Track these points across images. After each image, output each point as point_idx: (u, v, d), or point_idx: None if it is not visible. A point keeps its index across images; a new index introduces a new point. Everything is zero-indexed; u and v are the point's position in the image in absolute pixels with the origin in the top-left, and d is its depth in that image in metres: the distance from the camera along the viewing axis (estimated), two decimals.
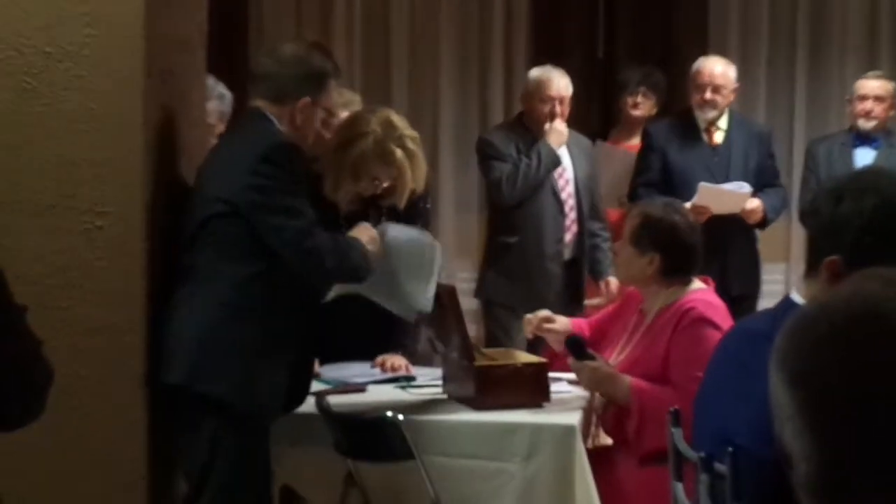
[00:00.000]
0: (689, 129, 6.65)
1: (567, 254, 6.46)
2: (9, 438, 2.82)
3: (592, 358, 4.42)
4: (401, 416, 4.01)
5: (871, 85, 6.89)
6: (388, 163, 4.82)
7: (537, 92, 6.46)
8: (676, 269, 4.49)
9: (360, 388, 4.61)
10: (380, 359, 4.85)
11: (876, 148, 6.83)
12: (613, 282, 6.36)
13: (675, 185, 6.50)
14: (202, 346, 3.99)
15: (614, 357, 4.54)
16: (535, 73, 6.62)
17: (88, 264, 4.09)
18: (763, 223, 6.60)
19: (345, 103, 5.80)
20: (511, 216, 6.42)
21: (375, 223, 4.86)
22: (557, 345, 4.69)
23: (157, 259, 4.13)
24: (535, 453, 4.09)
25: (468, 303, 6.22)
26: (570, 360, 4.44)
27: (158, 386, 4.07)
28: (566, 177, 6.47)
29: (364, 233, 4.27)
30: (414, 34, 8.34)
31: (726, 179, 6.52)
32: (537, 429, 4.12)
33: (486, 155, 6.52)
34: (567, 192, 6.46)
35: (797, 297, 2.65)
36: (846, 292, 1.46)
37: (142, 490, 4.13)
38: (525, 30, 8.36)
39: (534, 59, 7.84)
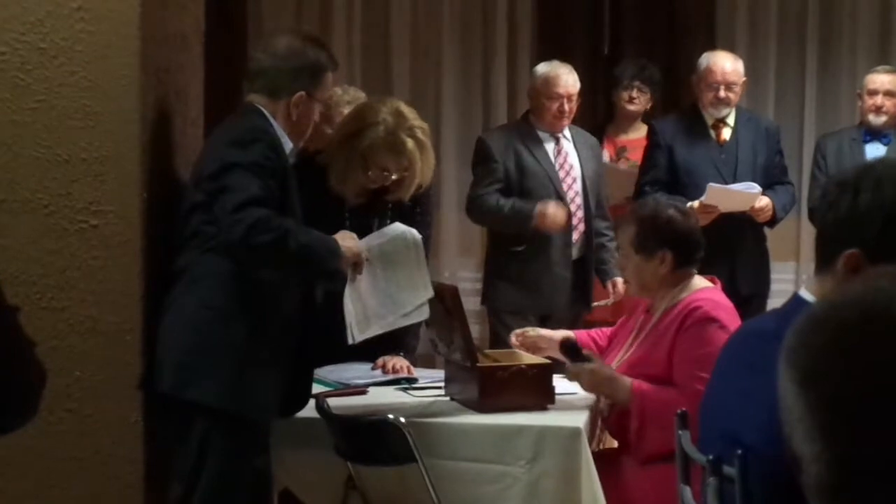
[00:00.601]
0: (696, 126, 6.60)
1: (575, 253, 6.41)
2: (4, 440, 2.77)
3: (589, 360, 4.38)
4: (402, 419, 3.96)
5: (882, 79, 6.83)
6: (398, 153, 4.77)
7: (545, 89, 6.40)
8: (688, 260, 4.45)
9: (361, 390, 4.56)
10: (381, 360, 4.80)
11: (886, 143, 6.78)
12: (620, 282, 6.30)
13: (682, 183, 6.46)
14: (188, 351, 3.95)
15: (619, 356, 4.50)
16: (542, 68, 6.55)
17: (85, 264, 4.06)
18: (772, 221, 6.55)
19: (350, 101, 5.77)
20: None
21: (380, 218, 4.83)
22: (551, 352, 4.64)
23: (155, 259, 4.10)
24: (540, 456, 4.05)
25: (471, 303, 6.16)
26: (567, 365, 4.40)
27: (152, 389, 4.03)
28: (573, 174, 6.42)
29: (345, 238, 4.19)
30: (416, 29, 8.30)
31: (734, 176, 6.47)
32: (542, 431, 4.08)
33: (479, 159, 6.46)
34: (574, 191, 6.41)
35: (807, 295, 2.60)
36: (857, 290, 1.43)
37: (139, 491, 4.11)
38: (529, 25, 8.31)
39: (538, 54, 7.80)
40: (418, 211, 4.99)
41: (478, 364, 4.30)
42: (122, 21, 4.03)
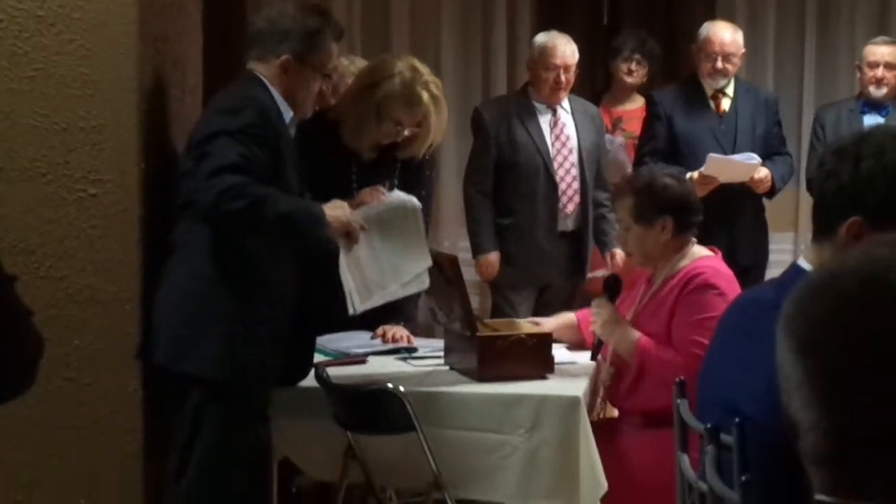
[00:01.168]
0: (696, 97, 6.59)
1: (570, 225, 6.41)
2: (2, 409, 2.77)
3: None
4: (402, 388, 3.95)
5: (882, 51, 6.81)
6: (413, 106, 4.78)
7: (541, 59, 6.38)
8: (687, 225, 4.50)
9: (360, 359, 4.56)
10: (380, 329, 4.80)
11: (885, 115, 6.76)
12: (619, 253, 6.30)
13: (682, 153, 6.45)
14: (181, 323, 3.94)
15: None
16: (540, 38, 6.54)
17: (83, 233, 4.05)
18: (771, 192, 6.54)
19: (356, 71, 5.75)
20: (503, 198, 6.36)
21: (388, 177, 4.82)
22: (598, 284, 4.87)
23: (153, 228, 4.09)
24: (539, 425, 4.05)
25: (470, 273, 6.16)
26: (597, 300, 4.52)
27: (150, 360, 4.03)
28: (570, 146, 6.40)
29: (334, 209, 4.10)
30: (415, 1, 8.25)
31: (733, 147, 6.46)
32: (541, 400, 4.07)
33: (473, 130, 6.48)
34: (570, 162, 6.39)
35: (805, 264, 2.60)
36: (855, 258, 1.43)
37: (138, 461, 4.11)
38: None
39: (538, 25, 7.77)
40: (427, 174, 5.00)
41: (477, 333, 4.30)
42: None
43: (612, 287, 4.56)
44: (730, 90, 6.61)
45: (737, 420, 2.45)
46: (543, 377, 4.27)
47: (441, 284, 4.44)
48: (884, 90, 6.77)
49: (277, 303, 4.04)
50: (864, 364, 1.36)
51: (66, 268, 4.06)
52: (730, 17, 7.58)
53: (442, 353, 4.55)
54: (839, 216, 2.49)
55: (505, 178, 6.35)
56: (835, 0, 8.21)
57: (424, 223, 4.86)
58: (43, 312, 3.77)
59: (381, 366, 4.50)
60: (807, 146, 7.37)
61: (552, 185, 6.35)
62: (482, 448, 4.09)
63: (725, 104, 6.59)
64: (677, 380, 3.15)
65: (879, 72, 6.77)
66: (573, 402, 4.04)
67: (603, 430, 4.28)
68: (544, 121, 6.42)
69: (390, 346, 4.72)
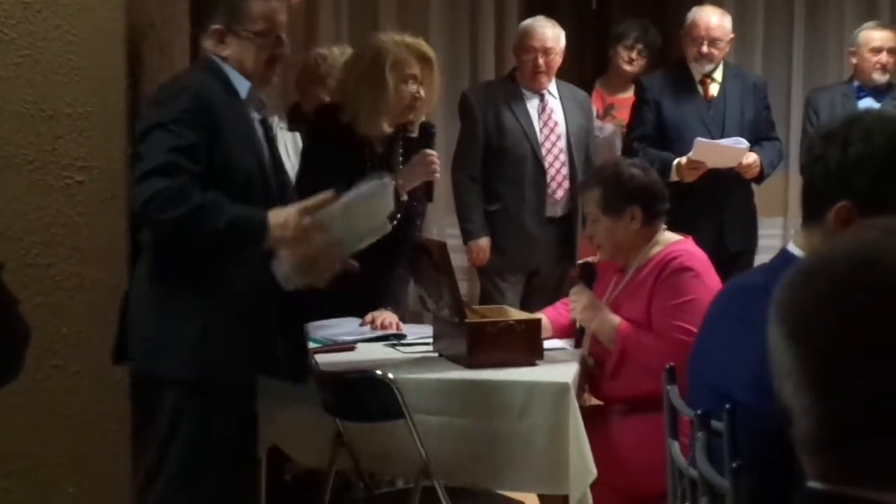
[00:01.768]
0: (684, 82, 6.58)
1: (559, 210, 6.40)
2: None
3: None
4: (391, 375, 3.94)
5: (884, 36, 6.84)
6: (422, 54, 4.82)
7: (521, 42, 6.40)
8: (655, 213, 4.50)
9: (349, 346, 4.54)
10: (369, 316, 4.78)
11: (881, 100, 6.77)
12: None
13: (670, 139, 6.45)
14: (147, 327, 3.82)
15: None
16: (524, 23, 6.55)
17: (70, 220, 4.04)
18: (760, 177, 6.54)
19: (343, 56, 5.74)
20: (492, 184, 6.36)
21: (393, 158, 4.85)
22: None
23: None
24: (529, 412, 4.04)
25: (459, 260, 6.16)
26: (577, 286, 4.55)
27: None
28: (558, 132, 6.40)
29: (276, 216, 3.75)
30: None
31: (722, 132, 6.46)
32: (530, 387, 4.06)
33: (461, 114, 6.48)
34: (559, 148, 6.39)
35: (794, 250, 2.59)
36: (846, 244, 1.42)
37: (126, 448, 4.10)
38: None
39: (526, 10, 7.75)
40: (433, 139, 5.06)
41: (466, 320, 4.29)
42: None
43: (588, 273, 4.59)
44: (718, 75, 6.60)
45: (727, 406, 2.45)
46: (533, 364, 4.26)
47: (430, 271, 4.43)
48: (887, 76, 6.79)
49: (249, 294, 3.86)
50: (857, 350, 1.36)
51: (54, 255, 4.05)
52: (718, 3, 7.57)
53: (431, 340, 4.53)
54: (828, 201, 2.48)
55: (493, 163, 6.35)
56: None
57: (421, 211, 5.03)
58: (30, 300, 3.77)
59: (370, 353, 4.49)
60: (795, 130, 7.38)
61: (540, 170, 6.34)
62: (471, 435, 4.08)
63: (714, 89, 6.58)
64: (667, 366, 3.15)
65: (884, 57, 6.79)
66: (562, 388, 4.03)
67: (592, 416, 4.28)
68: (532, 106, 6.41)
69: (379, 332, 4.71)
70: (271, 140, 4.03)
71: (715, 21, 6.55)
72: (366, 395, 3.99)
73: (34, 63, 3.99)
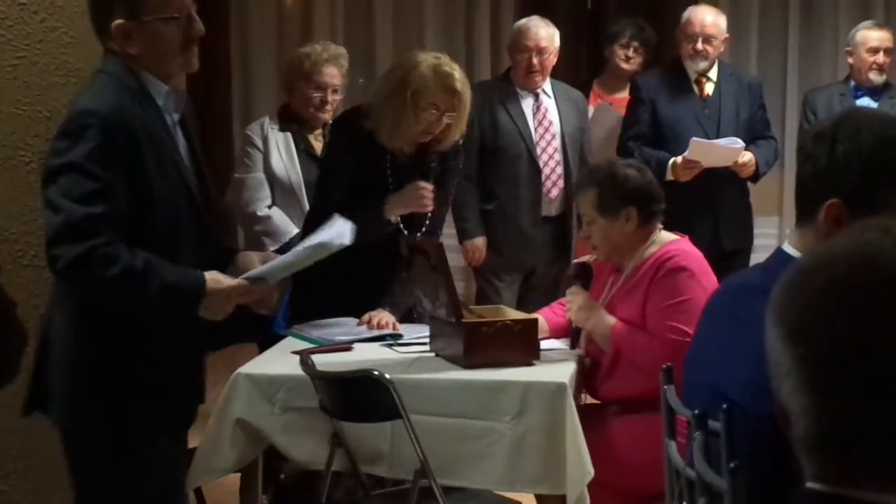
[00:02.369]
0: (679, 81, 6.59)
1: (554, 210, 6.41)
2: None
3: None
4: (387, 375, 3.94)
5: (881, 36, 6.85)
6: (448, 85, 4.77)
7: (515, 42, 6.41)
8: (651, 214, 4.49)
9: (345, 346, 4.54)
10: (366, 316, 4.78)
11: (877, 100, 6.78)
12: None
13: (665, 138, 6.46)
14: (58, 374, 3.46)
15: None
16: (518, 23, 6.56)
17: None
18: (755, 176, 6.55)
19: (329, 58, 5.76)
20: (487, 183, 6.36)
21: (424, 173, 4.88)
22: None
23: None
24: (525, 412, 4.04)
25: (455, 260, 6.16)
26: (572, 286, 4.55)
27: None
28: (553, 131, 6.41)
29: (216, 282, 3.46)
30: None
31: (717, 131, 6.47)
32: (527, 387, 4.06)
33: None
34: (553, 147, 6.39)
35: (790, 249, 2.59)
36: (844, 243, 1.42)
37: None
38: None
39: (522, 10, 7.76)
40: (455, 173, 5.08)
41: (463, 320, 4.29)
42: None
43: (583, 274, 4.59)
44: (713, 74, 6.61)
45: (724, 406, 2.45)
46: (530, 363, 4.26)
47: (426, 271, 4.44)
48: (884, 76, 6.80)
49: (174, 341, 3.53)
50: (855, 350, 1.36)
51: None
52: (713, 2, 7.59)
53: (428, 340, 4.54)
54: (818, 199, 2.49)
55: (488, 162, 6.36)
56: None
57: (442, 223, 5.11)
58: (27, 302, 3.77)
59: (367, 353, 4.49)
60: (791, 130, 7.39)
61: (535, 169, 6.35)
62: (468, 435, 4.08)
63: (709, 88, 6.59)
64: (664, 366, 3.15)
65: (881, 57, 6.80)
66: (559, 388, 4.03)
67: (589, 416, 4.28)
68: (527, 105, 6.42)
69: (376, 332, 4.71)
70: (191, 139, 3.64)
71: (710, 19, 6.56)
72: (363, 395, 3.98)
73: (31, 65, 3.99)
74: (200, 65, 3.56)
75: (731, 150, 6.33)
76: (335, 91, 5.75)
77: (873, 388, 1.35)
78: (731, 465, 2.40)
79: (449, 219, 6.68)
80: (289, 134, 5.80)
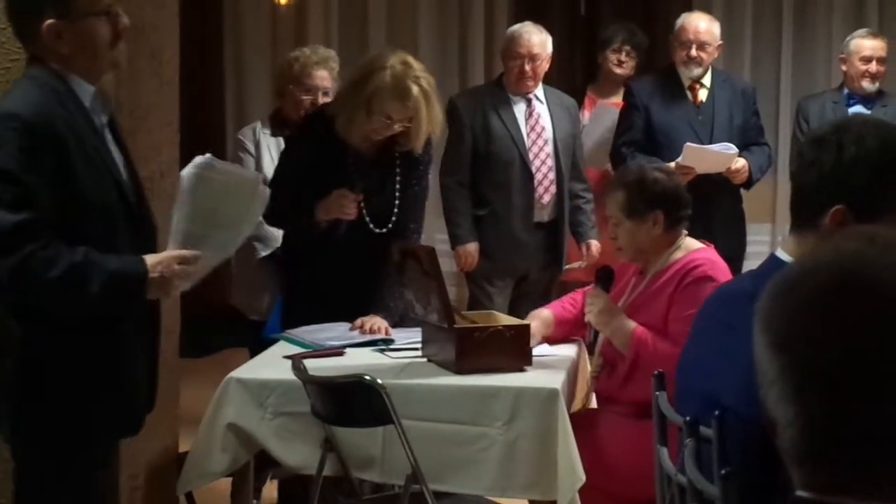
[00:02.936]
0: (673, 87, 6.59)
1: (546, 215, 6.41)
2: None
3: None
4: (379, 380, 3.94)
5: (875, 45, 6.86)
6: (402, 99, 4.75)
7: (507, 48, 6.41)
8: (678, 218, 4.51)
9: (338, 351, 4.54)
10: (359, 321, 4.78)
11: (869, 108, 6.78)
12: (595, 245, 6.35)
13: (659, 144, 6.47)
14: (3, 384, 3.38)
15: None
16: (510, 29, 6.57)
17: None
18: (749, 183, 6.55)
19: (318, 61, 5.76)
20: (479, 188, 6.36)
21: (387, 171, 4.84)
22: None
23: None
24: (517, 417, 4.04)
25: (448, 265, 6.16)
26: (590, 288, 4.54)
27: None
28: (545, 137, 6.41)
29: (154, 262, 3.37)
30: None
31: (710, 137, 6.47)
32: (519, 392, 4.07)
33: (449, 121, 6.47)
34: (546, 153, 6.39)
35: (783, 255, 2.60)
36: (830, 252, 1.42)
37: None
38: None
39: (516, 16, 7.77)
40: (421, 169, 5.02)
41: (455, 325, 4.29)
42: None
43: (605, 278, 4.57)
44: (707, 81, 6.62)
45: (717, 413, 2.45)
46: (521, 369, 4.26)
47: (418, 276, 4.44)
48: (876, 84, 6.81)
49: (112, 347, 3.42)
50: (840, 360, 1.36)
51: None
52: (707, 9, 7.60)
53: (420, 345, 4.54)
54: (823, 205, 2.49)
55: (480, 168, 6.36)
56: None
57: (416, 219, 5.03)
58: None
59: (359, 358, 4.49)
60: (784, 136, 7.40)
61: (528, 175, 6.35)
62: (460, 440, 4.08)
63: (702, 95, 6.60)
64: (655, 372, 3.15)
65: (873, 66, 6.81)
66: (551, 394, 4.03)
67: (581, 422, 4.27)
68: (519, 111, 6.42)
69: (368, 337, 4.71)
70: (120, 139, 3.57)
71: (704, 25, 6.57)
72: (355, 400, 3.98)
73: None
74: (195, 68, 3.49)
75: (725, 156, 6.33)
76: (325, 94, 5.75)
77: (859, 397, 1.35)
78: (723, 471, 2.40)
79: (441, 224, 6.70)
80: (280, 139, 5.80)
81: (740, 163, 6.39)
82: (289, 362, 4.19)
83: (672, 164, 6.24)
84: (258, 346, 4.85)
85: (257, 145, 5.81)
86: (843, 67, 7.00)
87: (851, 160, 2.48)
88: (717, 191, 6.43)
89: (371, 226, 4.93)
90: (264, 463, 4.36)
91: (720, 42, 6.66)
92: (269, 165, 5.73)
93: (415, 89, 4.75)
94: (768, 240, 8.09)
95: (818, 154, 2.52)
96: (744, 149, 6.47)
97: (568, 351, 4.63)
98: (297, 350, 4.52)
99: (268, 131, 5.85)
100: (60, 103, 3.30)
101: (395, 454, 4.02)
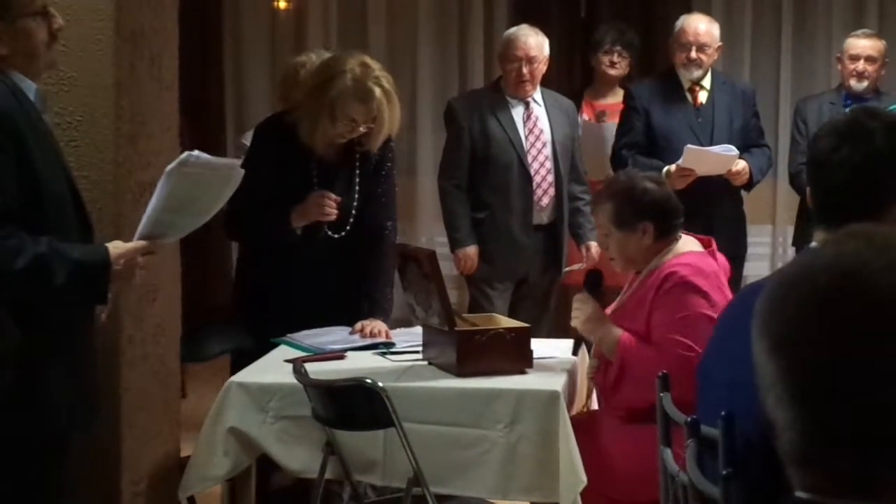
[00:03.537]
0: (673, 90, 6.59)
1: (545, 218, 6.41)
2: None
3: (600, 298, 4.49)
4: (380, 383, 3.94)
5: (863, 44, 6.83)
6: (366, 101, 4.75)
7: (505, 51, 6.41)
8: (668, 228, 4.43)
9: (338, 354, 4.55)
10: (359, 325, 4.79)
11: None
12: (594, 247, 6.32)
13: (659, 146, 6.46)
14: None
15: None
16: (508, 32, 6.56)
17: None
18: (749, 185, 6.55)
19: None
20: (478, 191, 6.36)
21: (348, 171, 4.81)
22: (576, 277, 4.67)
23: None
24: (518, 420, 4.04)
25: (448, 268, 6.16)
26: (581, 293, 4.47)
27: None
28: (543, 139, 6.40)
29: (116, 247, 3.46)
30: None
31: (711, 139, 6.46)
32: (520, 395, 4.07)
33: (446, 123, 6.50)
34: (544, 155, 6.39)
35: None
36: (828, 254, 1.42)
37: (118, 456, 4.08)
38: None
39: (514, 18, 7.76)
40: (386, 169, 5.02)
41: (456, 328, 4.29)
42: None
43: (593, 282, 4.51)
44: (706, 83, 6.61)
45: (723, 413, 2.44)
46: (522, 372, 4.26)
47: (419, 279, 4.43)
48: (865, 83, 6.79)
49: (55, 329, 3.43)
50: (837, 363, 1.35)
51: None
52: (706, 10, 7.60)
53: (420, 348, 4.54)
54: (886, 193, 2.51)
55: (479, 171, 6.35)
56: None
57: (392, 217, 5.02)
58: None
59: (360, 361, 4.49)
60: (784, 138, 7.39)
61: (526, 177, 6.34)
62: (461, 443, 4.08)
63: (702, 97, 6.59)
64: (660, 373, 3.14)
65: (860, 65, 6.79)
66: (552, 396, 4.03)
67: (583, 424, 4.27)
68: (517, 114, 6.41)
69: (368, 341, 4.71)
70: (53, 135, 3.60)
71: (703, 27, 6.56)
72: (356, 403, 3.99)
73: None
74: (194, 71, 3.49)
75: (725, 158, 6.33)
76: None
77: (855, 401, 1.35)
78: (725, 472, 2.40)
79: (441, 227, 6.70)
80: None
81: (741, 165, 6.39)
82: (290, 366, 4.19)
83: (672, 167, 6.25)
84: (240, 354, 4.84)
85: None
86: (839, 67, 7.00)
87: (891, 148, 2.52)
88: (718, 193, 6.42)
89: (329, 232, 4.93)
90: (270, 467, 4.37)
91: (720, 44, 6.66)
92: None
93: (377, 90, 4.75)
94: (769, 241, 8.08)
95: (858, 142, 2.54)
96: (744, 150, 6.47)
97: (568, 353, 4.63)
98: (297, 354, 4.52)
99: None
100: (14, 96, 3.33)
101: (397, 457, 4.02)
